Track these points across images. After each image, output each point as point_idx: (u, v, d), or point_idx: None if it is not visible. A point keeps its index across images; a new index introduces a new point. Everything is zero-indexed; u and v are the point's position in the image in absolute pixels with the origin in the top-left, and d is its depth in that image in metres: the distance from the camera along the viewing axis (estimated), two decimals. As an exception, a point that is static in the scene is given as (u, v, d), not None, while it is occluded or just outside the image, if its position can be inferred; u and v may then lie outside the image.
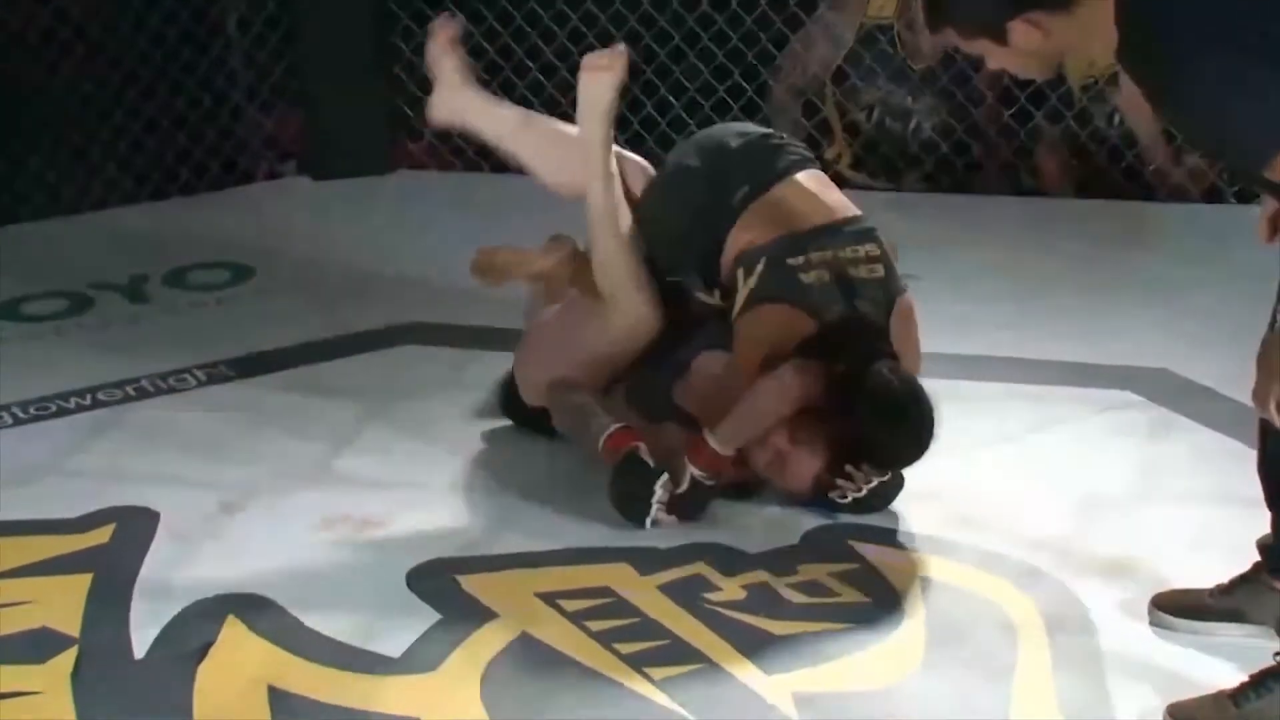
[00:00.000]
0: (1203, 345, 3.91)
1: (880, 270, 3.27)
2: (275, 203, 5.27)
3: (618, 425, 3.23)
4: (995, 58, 2.36)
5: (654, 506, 3.15)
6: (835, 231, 3.29)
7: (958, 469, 3.34)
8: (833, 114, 5.26)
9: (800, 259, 3.24)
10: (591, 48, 3.58)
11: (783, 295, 3.23)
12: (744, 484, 3.28)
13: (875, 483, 3.18)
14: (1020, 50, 2.32)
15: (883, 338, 3.24)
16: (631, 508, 3.17)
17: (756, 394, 3.17)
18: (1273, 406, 2.28)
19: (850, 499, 3.19)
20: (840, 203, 3.38)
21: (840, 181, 4.03)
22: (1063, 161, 5.10)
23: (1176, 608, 2.82)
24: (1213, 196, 4.95)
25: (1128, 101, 4.91)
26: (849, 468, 3.19)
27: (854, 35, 5.20)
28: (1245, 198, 4.87)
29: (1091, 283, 4.35)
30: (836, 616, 2.88)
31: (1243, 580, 2.78)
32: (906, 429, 3.15)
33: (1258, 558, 2.83)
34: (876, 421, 3.14)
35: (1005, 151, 5.18)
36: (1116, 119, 5.04)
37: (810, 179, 3.39)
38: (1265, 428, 2.55)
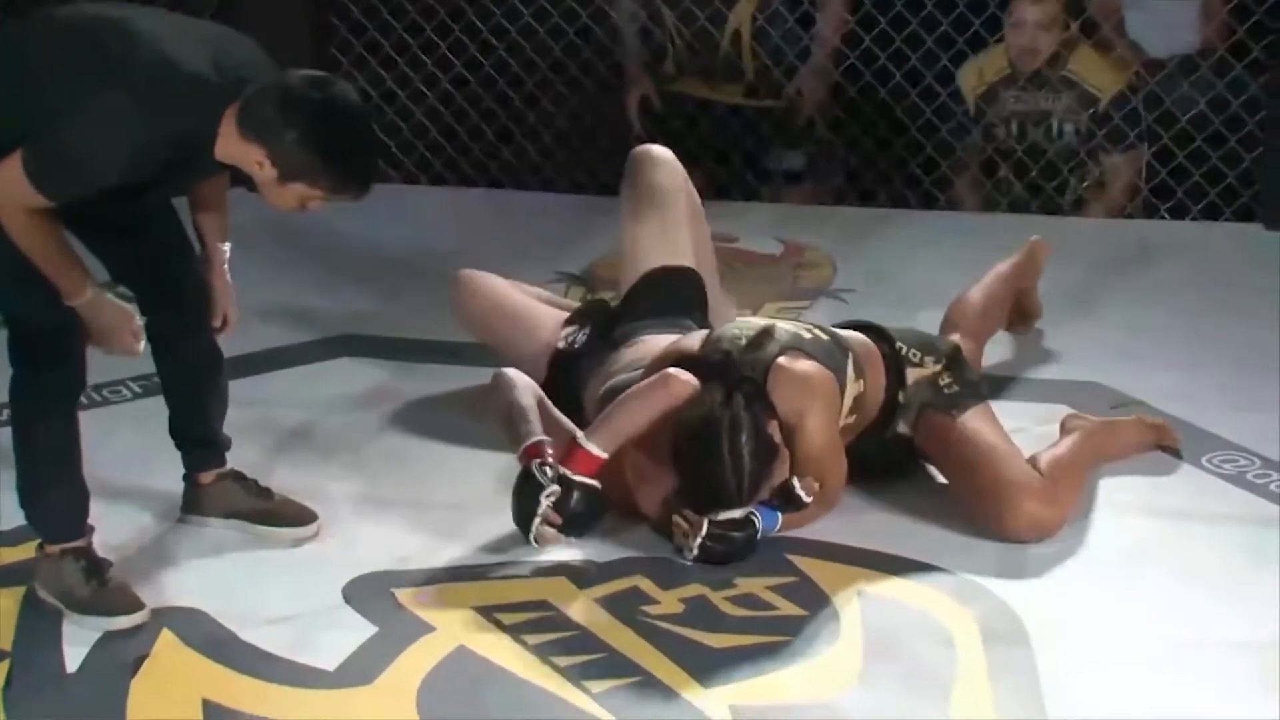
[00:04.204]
0: (1130, 358, 3.94)
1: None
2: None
3: (535, 439, 3.16)
4: None
5: (536, 520, 3.06)
6: None
7: (892, 482, 3.36)
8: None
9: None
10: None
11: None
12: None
13: (705, 530, 3.05)
14: None
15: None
16: (520, 523, 3.11)
17: (629, 395, 3.15)
18: None
19: (693, 548, 3.07)
20: None
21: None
22: (973, 177, 5.07)
23: None
24: (1130, 210, 4.97)
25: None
26: (684, 513, 3.10)
27: None
28: (1179, 213, 4.91)
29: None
30: (774, 629, 2.89)
31: None
32: (699, 463, 3.04)
33: (1187, 570, 2.86)
34: (676, 451, 3.08)
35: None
36: (1015, 127, 5.02)
37: None
38: None
